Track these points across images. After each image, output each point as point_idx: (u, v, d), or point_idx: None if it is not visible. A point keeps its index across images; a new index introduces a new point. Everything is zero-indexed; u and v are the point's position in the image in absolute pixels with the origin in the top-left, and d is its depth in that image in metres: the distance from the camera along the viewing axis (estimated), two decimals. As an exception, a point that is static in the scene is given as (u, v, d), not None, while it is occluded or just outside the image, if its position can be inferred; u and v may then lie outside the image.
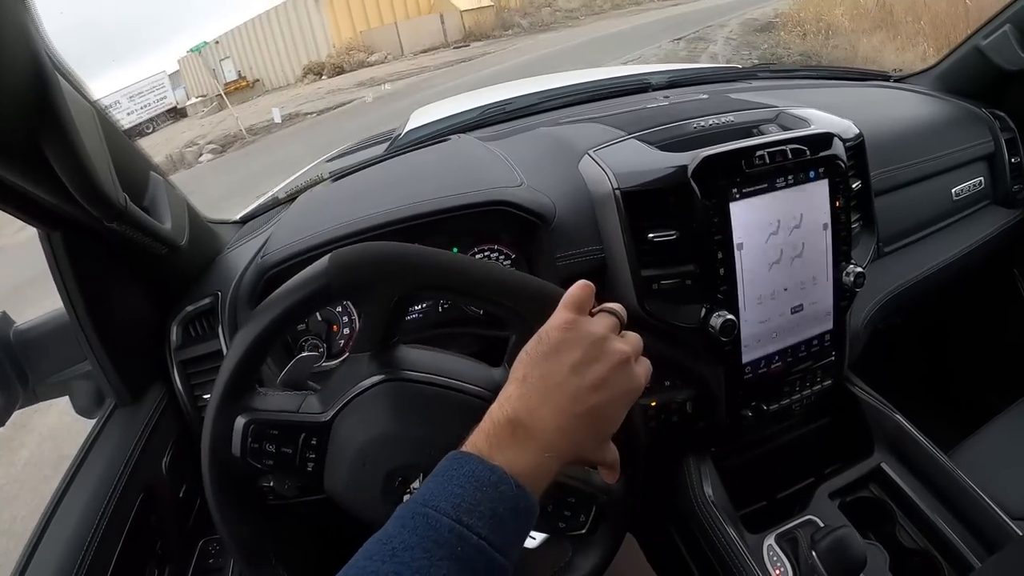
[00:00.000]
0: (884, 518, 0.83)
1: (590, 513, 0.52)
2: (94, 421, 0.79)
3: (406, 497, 0.51)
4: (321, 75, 21.72)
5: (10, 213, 0.61)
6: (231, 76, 26.27)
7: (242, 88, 25.07)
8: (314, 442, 0.51)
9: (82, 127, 0.54)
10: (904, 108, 1.20)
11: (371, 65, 20.10)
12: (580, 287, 0.44)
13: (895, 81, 1.38)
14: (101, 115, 0.64)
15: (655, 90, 1.18)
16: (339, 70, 21.74)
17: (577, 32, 18.93)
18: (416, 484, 0.51)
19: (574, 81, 1.36)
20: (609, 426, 0.42)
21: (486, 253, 0.83)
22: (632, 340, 0.44)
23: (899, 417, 0.89)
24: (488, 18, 24.97)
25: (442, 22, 24.91)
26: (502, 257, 0.84)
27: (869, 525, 0.82)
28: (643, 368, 0.44)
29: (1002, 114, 1.20)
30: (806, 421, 0.95)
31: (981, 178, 1.16)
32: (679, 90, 1.17)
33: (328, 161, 1.41)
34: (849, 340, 0.88)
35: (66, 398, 0.81)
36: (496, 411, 0.39)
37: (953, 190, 1.11)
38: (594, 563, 0.53)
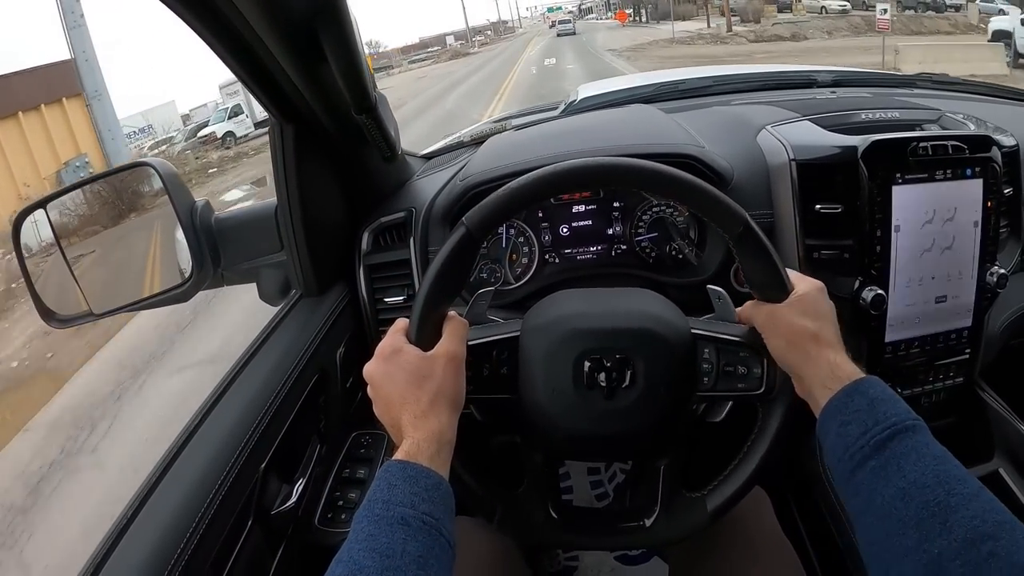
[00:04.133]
0: None
1: (762, 366, 0.58)
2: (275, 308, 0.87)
3: (601, 376, 0.56)
4: None
5: (260, 100, 0.70)
6: None
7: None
8: (506, 355, 0.59)
9: None
10: None
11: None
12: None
13: None
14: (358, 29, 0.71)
15: (819, 87, 1.23)
16: None
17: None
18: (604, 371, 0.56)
19: (743, 71, 1.42)
20: (404, 385, 0.54)
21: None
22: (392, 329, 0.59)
23: (1022, 427, 0.90)
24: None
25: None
26: (676, 212, 0.92)
27: None
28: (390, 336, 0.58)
29: None
30: (931, 418, 0.96)
31: None
32: (842, 88, 1.21)
33: (495, 123, 1.52)
34: (984, 342, 0.89)
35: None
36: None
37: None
38: (779, 421, 0.59)
